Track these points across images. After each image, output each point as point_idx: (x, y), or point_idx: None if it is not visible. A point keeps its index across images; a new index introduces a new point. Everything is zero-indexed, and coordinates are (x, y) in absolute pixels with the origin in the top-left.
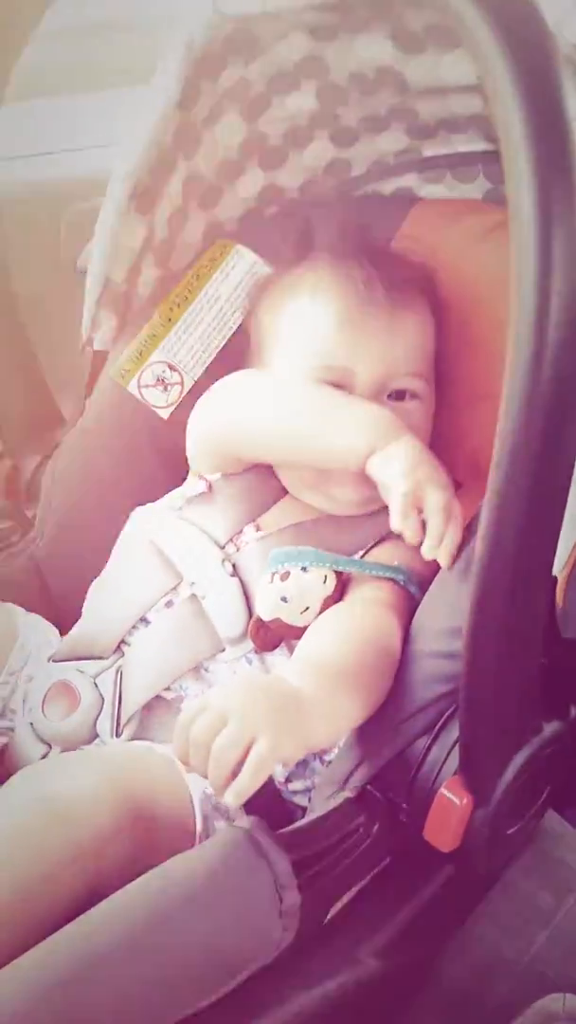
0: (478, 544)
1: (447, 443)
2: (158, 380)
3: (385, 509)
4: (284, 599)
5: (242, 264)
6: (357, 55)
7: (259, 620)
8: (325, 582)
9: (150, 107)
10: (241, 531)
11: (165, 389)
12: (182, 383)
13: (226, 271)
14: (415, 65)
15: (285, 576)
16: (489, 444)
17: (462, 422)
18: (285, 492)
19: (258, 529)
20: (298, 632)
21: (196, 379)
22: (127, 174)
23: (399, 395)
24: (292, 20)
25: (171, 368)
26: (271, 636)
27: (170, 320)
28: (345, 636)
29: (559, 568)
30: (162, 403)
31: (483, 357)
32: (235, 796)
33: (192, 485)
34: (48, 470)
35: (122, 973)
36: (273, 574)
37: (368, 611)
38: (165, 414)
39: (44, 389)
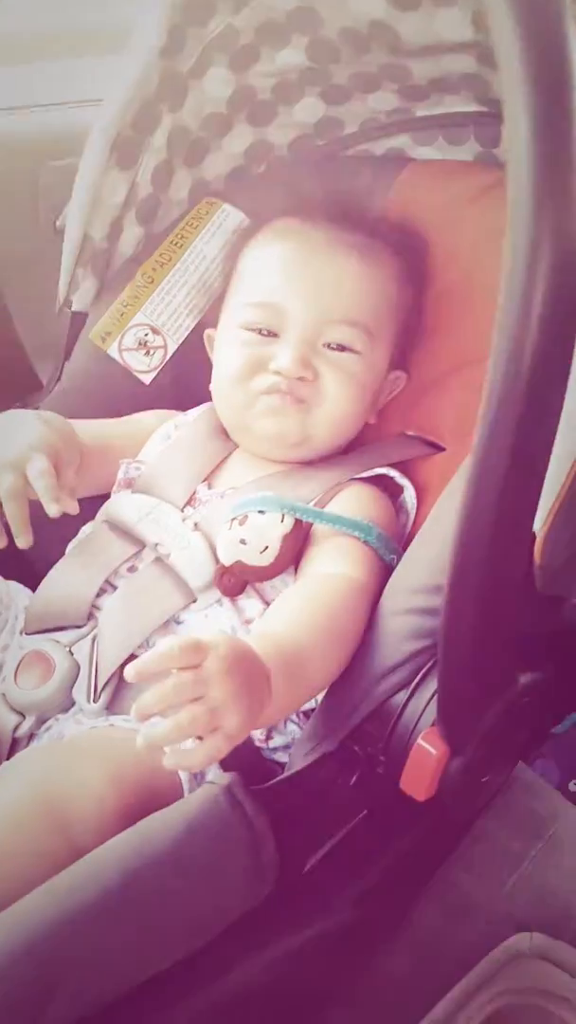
0: (460, 499)
1: (434, 406)
2: (140, 343)
3: (338, 460)
4: (243, 541)
5: (229, 223)
6: (349, 8)
7: (221, 565)
8: (282, 521)
9: (134, 54)
10: (195, 491)
11: (147, 353)
12: (165, 347)
13: (212, 230)
14: (408, 21)
15: (243, 520)
16: (473, 407)
17: (450, 385)
18: (229, 450)
19: (210, 487)
20: (260, 572)
21: (180, 342)
22: (108, 124)
23: (337, 347)
24: None
25: (154, 331)
26: (235, 580)
27: (153, 281)
28: (302, 615)
29: (539, 525)
30: (144, 367)
31: (472, 320)
32: (178, 763)
33: (126, 468)
34: None
35: (98, 929)
36: (232, 520)
37: (329, 582)
38: (147, 379)
39: (21, 353)
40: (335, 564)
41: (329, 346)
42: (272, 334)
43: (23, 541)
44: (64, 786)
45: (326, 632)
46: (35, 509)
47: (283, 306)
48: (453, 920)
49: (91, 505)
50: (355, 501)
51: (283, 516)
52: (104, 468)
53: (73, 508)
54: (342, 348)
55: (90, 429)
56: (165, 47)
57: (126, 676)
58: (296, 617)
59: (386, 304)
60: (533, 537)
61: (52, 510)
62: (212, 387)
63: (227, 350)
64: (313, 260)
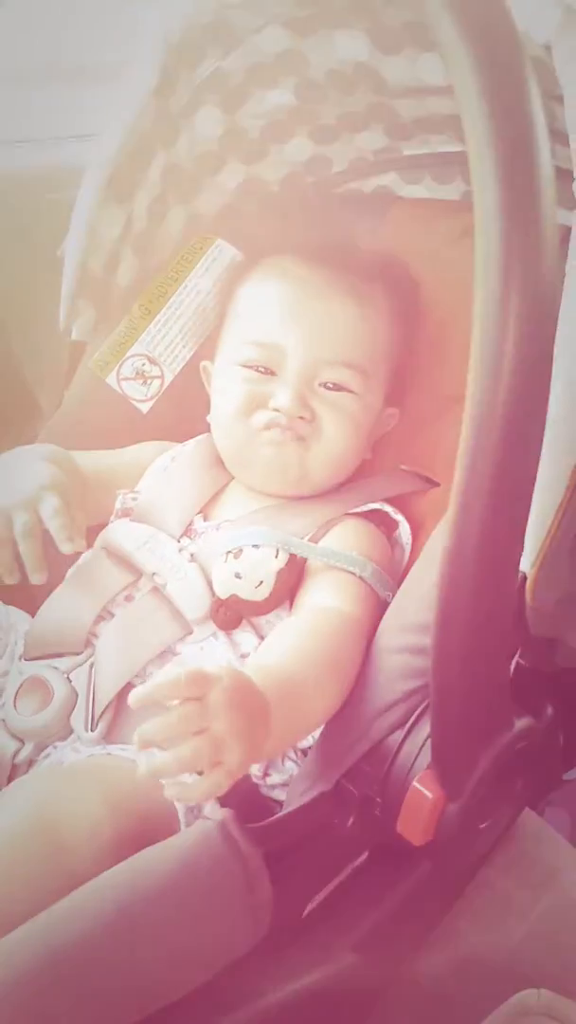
0: (444, 542)
1: (428, 441)
2: (137, 373)
3: (333, 494)
4: (238, 575)
5: (223, 258)
6: (335, 51)
7: (217, 598)
8: (277, 556)
9: (128, 94)
10: (191, 523)
11: (145, 383)
12: (162, 377)
13: (207, 264)
14: (392, 64)
15: (238, 554)
16: None
17: (443, 420)
18: (225, 481)
19: (205, 519)
20: (255, 607)
21: (176, 373)
22: (104, 160)
23: (333, 387)
24: (270, 12)
25: (151, 361)
26: (230, 614)
27: (150, 312)
28: (299, 649)
29: (529, 566)
30: (141, 396)
31: (461, 357)
32: (178, 796)
33: (123, 499)
34: None
35: (89, 968)
36: (227, 553)
37: (325, 616)
38: (144, 408)
39: (21, 380)
40: (330, 598)
41: (325, 385)
42: (270, 372)
43: (37, 578)
44: (61, 813)
45: (323, 666)
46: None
47: (281, 346)
48: (457, 973)
49: (90, 533)
50: (350, 536)
51: (278, 551)
52: (104, 499)
53: (83, 546)
54: (338, 387)
55: (90, 461)
56: (158, 87)
57: (129, 702)
58: (293, 651)
59: (381, 344)
60: (524, 578)
61: (66, 548)
62: (211, 420)
63: (226, 386)
64: (311, 302)
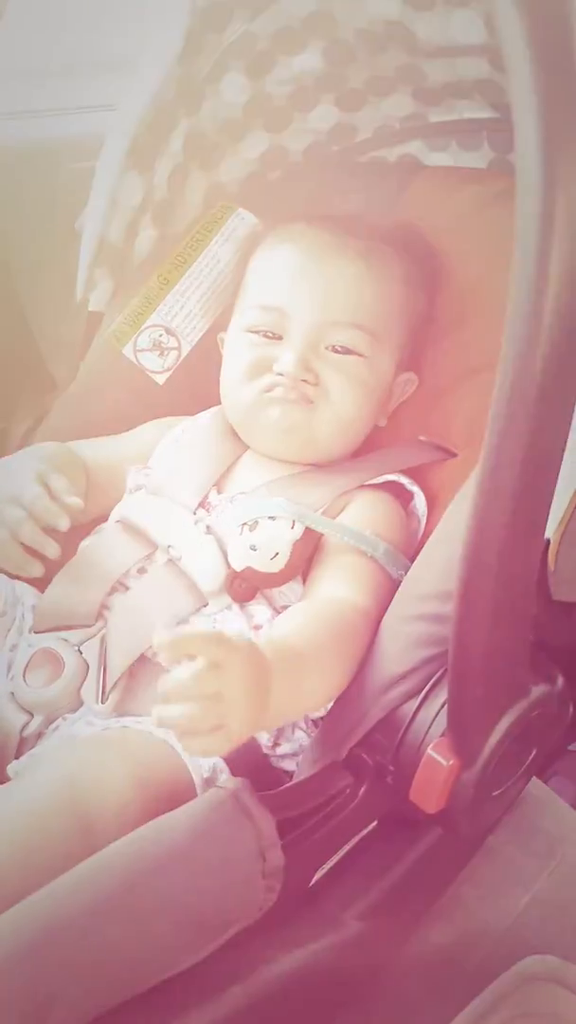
0: (471, 505)
1: (447, 410)
2: (154, 344)
3: (349, 464)
4: (253, 547)
5: (243, 227)
6: (365, 9)
7: (232, 571)
8: (293, 527)
9: (152, 59)
10: (207, 495)
11: (161, 354)
12: (179, 348)
13: (227, 234)
14: (424, 21)
15: (254, 526)
16: (485, 413)
17: (463, 389)
18: (239, 453)
19: (220, 491)
20: (270, 579)
21: (193, 344)
22: (126, 127)
23: (340, 350)
24: None
25: (168, 332)
26: (245, 586)
27: (168, 283)
28: (306, 630)
29: (552, 531)
30: (158, 368)
31: (485, 324)
32: (189, 748)
33: (135, 476)
34: (39, 435)
35: (103, 933)
36: (243, 525)
37: (333, 606)
38: (161, 380)
39: (36, 352)
40: (341, 586)
41: (333, 349)
42: (276, 336)
43: (52, 551)
44: (89, 791)
45: (328, 652)
46: None
47: (286, 309)
48: (463, 941)
49: (98, 524)
50: (365, 512)
51: (294, 523)
52: (112, 488)
53: (80, 505)
54: (346, 351)
55: (94, 450)
56: (183, 52)
57: (153, 643)
58: (301, 630)
59: (392, 307)
60: (547, 543)
61: (72, 502)
62: (220, 388)
63: (233, 351)
64: (317, 263)
